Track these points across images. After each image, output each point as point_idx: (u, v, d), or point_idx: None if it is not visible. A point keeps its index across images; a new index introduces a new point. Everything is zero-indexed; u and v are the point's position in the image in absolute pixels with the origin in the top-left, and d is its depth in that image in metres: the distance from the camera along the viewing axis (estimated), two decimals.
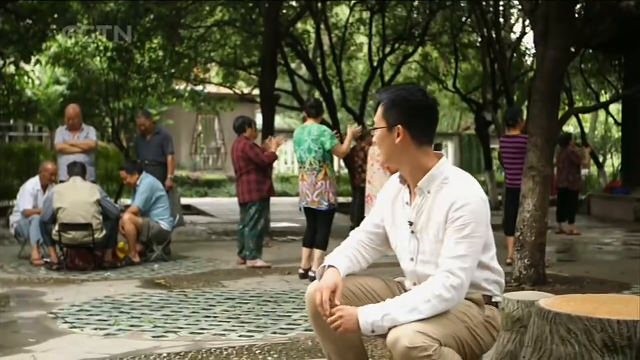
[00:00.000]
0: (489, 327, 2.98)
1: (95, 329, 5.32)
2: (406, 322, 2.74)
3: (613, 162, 27.05)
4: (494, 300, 3.05)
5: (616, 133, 27.17)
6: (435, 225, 2.93)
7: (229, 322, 5.55)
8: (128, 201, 11.22)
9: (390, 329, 2.74)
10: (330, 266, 3.01)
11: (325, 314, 2.85)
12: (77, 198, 8.11)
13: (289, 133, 21.76)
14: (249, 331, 5.24)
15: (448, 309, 2.81)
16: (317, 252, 7.44)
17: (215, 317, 5.72)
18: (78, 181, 8.33)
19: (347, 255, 3.09)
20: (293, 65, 19.12)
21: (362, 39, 21.62)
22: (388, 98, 3.01)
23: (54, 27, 13.01)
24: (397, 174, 3.17)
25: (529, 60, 20.95)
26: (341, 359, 3.06)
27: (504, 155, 8.47)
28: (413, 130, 2.97)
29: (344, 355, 3.05)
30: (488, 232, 2.98)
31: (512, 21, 21.14)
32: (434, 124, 3.07)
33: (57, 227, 8.07)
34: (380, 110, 3.02)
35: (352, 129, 7.88)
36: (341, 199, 10.77)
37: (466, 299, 2.91)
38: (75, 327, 5.39)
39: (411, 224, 3.01)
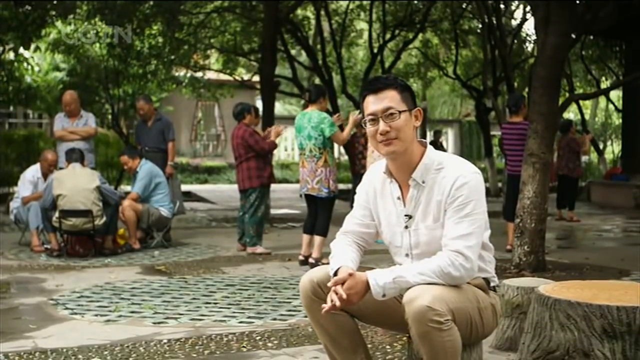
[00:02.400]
0: (493, 312, 2.99)
1: (96, 315, 5.34)
2: (416, 284, 2.75)
3: (613, 149, 27.03)
4: (492, 284, 3.06)
5: (616, 120, 27.16)
6: (434, 209, 2.92)
7: (229, 308, 5.56)
8: (128, 188, 11.23)
9: (404, 292, 2.76)
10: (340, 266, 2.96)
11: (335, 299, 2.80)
12: (77, 184, 8.10)
13: (289, 120, 21.78)
14: (249, 317, 5.25)
15: (458, 285, 2.82)
16: (318, 239, 7.45)
17: (215, 303, 5.73)
18: (77, 167, 8.33)
19: (350, 250, 3.07)
20: (293, 52, 19.05)
21: (362, 25, 21.56)
22: (398, 82, 2.99)
23: (53, 13, 12.96)
24: (377, 166, 3.13)
25: (529, 47, 20.92)
26: (337, 347, 3.06)
27: (506, 141, 8.45)
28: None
29: (339, 343, 3.05)
30: (486, 208, 2.98)
31: (513, 7, 21.07)
32: None
33: (57, 214, 8.07)
34: (394, 93, 2.94)
35: (353, 116, 7.86)
36: (341, 186, 10.76)
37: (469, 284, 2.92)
38: (75, 313, 5.41)
39: (409, 217, 2.98)
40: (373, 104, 2.95)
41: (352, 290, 2.80)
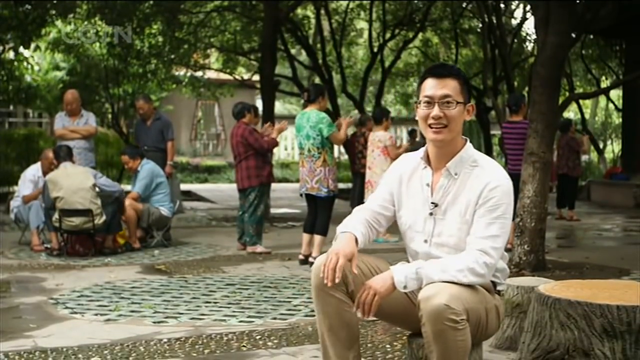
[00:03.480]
0: (497, 313, 3.01)
1: (96, 315, 5.33)
2: (439, 280, 2.77)
3: (613, 148, 27.03)
4: (497, 288, 3.07)
5: (616, 119, 27.14)
6: (462, 205, 2.95)
7: (229, 307, 5.56)
8: (128, 187, 11.22)
9: (422, 287, 2.78)
10: (345, 232, 2.98)
11: (332, 280, 2.81)
12: (72, 185, 8.05)
13: (288, 119, 21.78)
14: (249, 316, 5.25)
15: (475, 285, 2.84)
16: (317, 238, 7.45)
17: (215, 302, 5.73)
18: (69, 167, 8.29)
19: (363, 224, 3.07)
20: (293, 51, 19.05)
21: (362, 24, 21.56)
22: (460, 73, 3.02)
23: (53, 12, 12.96)
24: (412, 154, 3.16)
25: (529, 46, 20.91)
26: (335, 337, 3.05)
27: (506, 140, 8.45)
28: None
29: (337, 334, 3.04)
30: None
31: (513, 6, 21.07)
32: None
33: (56, 214, 8.06)
34: (455, 83, 2.98)
35: (345, 120, 7.86)
36: (341, 185, 10.76)
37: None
38: (75, 313, 5.40)
39: (435, 204, 3.01)
40: (433, 88, 2.98)
41: (382, 287, 2.83)
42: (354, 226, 3.02)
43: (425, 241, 3.04)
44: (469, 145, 3.05)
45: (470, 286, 2.82)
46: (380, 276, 2.86)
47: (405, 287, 2.82)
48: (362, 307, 2.86)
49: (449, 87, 2.96)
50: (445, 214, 2.99)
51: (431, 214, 3.02)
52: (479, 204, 2.92)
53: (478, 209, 2.92)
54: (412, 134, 19.69)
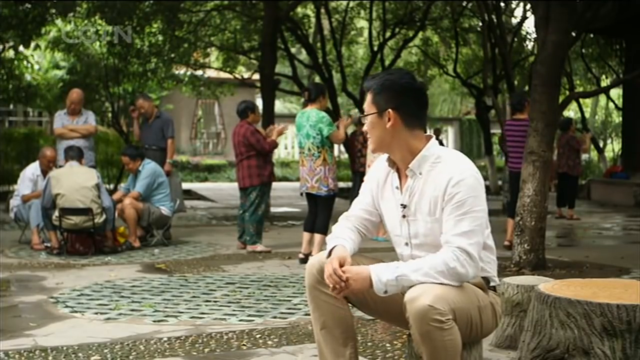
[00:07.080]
0: (493, 311, 2.99)
1: (96, 313, 5.33)
2: (419, 283, 2.76)
3: (613, 147, 27.04)
4: (492, 284, 3.05)
5: (616, 118, 27.16)
6: (429, 202, 2.92)
7: (229, 306, 5.56)
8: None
9: (406, 289, 2.77)
10: (336, 245, 3.01)
11: (337, 283, 2.83)
12: (74, 183, 8.07)
13: (288, 118, 21.80)
14: (249, 315, 5.25)
15: (460, 284, 2.82)
16: (318, 237, 7.46)
17: (215, 301, 5.73)
18: (75, 166, 8.30)
19: (351, 230, 3.11)
20: (293, 50, 19.04)
21: (362, 23, 21.55)
22: (376, 84, 3.00)
23: (53, 11, 12.96)
24: (385, 157, 3.16)
25: (529, 45, 20.91)
26: (328, 336, 3.06)
27: (509, 138, 8.44)
28: (403, 113, 2.97)
29: (331, 332, 3.05)
30: (486, 207, 2.96)
31: (513, 5, 21.07)
32: (424, 106, 3.06)
33: (57, 212, 8.06)
34: (369, 96, 3.02)
35: (343, 121, 7.86)
36: (341, 184, 10.75)
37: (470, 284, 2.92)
38: (75, 311, 5.40)
39: (404, 206, 3.00)
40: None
41: (355, 281, 2.82)
42: (342, 237, 3.06)
43: (406, 244, 3.04)
44: (432, 142, 3.01)
45: (458, 285, 2.81)
46: (361, 275, 2.82)
47: (385, 292, 2.80)
48: (332, 288, 2.87)
49: (366, 102, 3.04)
50: (416, 215, 2.98)
51: (404, 216, 3.01)
52: (445, 201, 2.88)
53: (445, 206, 2.88)
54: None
